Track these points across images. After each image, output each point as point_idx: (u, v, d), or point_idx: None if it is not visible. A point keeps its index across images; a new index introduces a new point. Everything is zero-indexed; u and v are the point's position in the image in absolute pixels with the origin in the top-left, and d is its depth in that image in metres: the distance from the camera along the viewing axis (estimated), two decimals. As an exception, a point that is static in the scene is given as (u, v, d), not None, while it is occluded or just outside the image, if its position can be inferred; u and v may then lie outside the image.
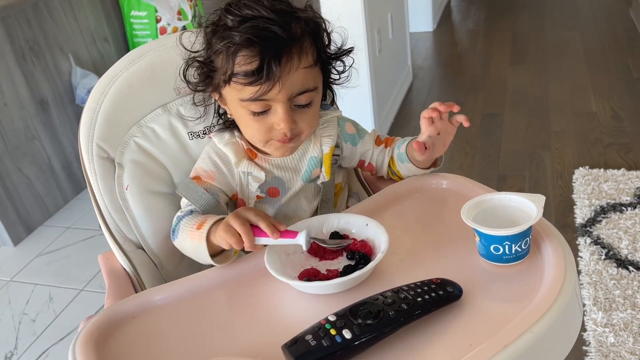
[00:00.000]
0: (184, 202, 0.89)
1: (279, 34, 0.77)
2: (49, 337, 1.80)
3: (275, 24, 0.77)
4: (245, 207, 0.79)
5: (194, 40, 0.88)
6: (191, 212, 0.86)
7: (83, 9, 2.61)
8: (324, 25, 0.85)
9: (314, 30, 0.83)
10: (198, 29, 0.87)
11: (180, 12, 2.83)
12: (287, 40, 0.78)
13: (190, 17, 2.88)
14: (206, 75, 0.85)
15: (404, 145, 0.95)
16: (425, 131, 0.88)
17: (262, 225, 0.75)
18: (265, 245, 0.78)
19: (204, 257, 0.81)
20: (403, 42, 3.02)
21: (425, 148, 0.88)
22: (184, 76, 0.88)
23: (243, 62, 0.78)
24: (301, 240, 0.76)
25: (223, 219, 0.79)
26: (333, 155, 0.94)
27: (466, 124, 0.87)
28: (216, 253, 0.81)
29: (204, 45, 0.85)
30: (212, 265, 1.00)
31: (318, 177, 0.94)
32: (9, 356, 1.75)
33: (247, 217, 0.76)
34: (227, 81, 0.81)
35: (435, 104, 0.86)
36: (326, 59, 0.87)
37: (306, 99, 0.83)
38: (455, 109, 0.86)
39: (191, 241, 0.82)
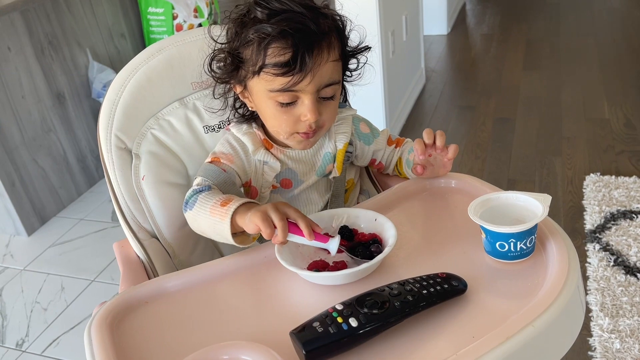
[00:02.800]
0: (197, 180, 0.89)
1: (312, 28, 0.79)
2: (60, 325, 1.83)
3: (307, 18, 0.80)
4: (283, 203, 0.79)
5: (220, 34, 0.89)
6: (210, 188, 0.86)
7: (101, 5, 2.65)
8: (346, 23, 0.88)
9: (339, 27, 0.86)
10: (225, 22, 0.89)
11: (196, 10, 2.86)
12: (318, 34, 0.80)
13: (206, 15, 2.91)
14: (233, 67, 0.86)
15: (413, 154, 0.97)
16: (417, 153, 0.91)
17: (301, 225, 0.75)
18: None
19: (223, 234, 0.80)
20: (417, 44, 3.03)
21: (424, 168, 0.92)
22: (210, 67, 0.90)
23: (276, 54, 0.80)
24: (332, 246, 0.77)
25: (248, 202, 0.80)
26: (346, 152, 0.97)
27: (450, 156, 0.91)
28: (234, 233, 0.81)
29: (230, 37, 0.86)
30: (221, 255, 1.03)
31: (331, 172, 0.96)
32: (20, 343, 1.79)
33: (286, 212, 0.77)
34: (257, 72, 0.82)
35: (425, 134, 0.91)
36: (347, 55, 0.90)
37: (331, 91, 0.85)
38: (438, 150, 0.91)
39: (211, 216, 0.81)
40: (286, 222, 0.75)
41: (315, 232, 0.76)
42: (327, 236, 0.78)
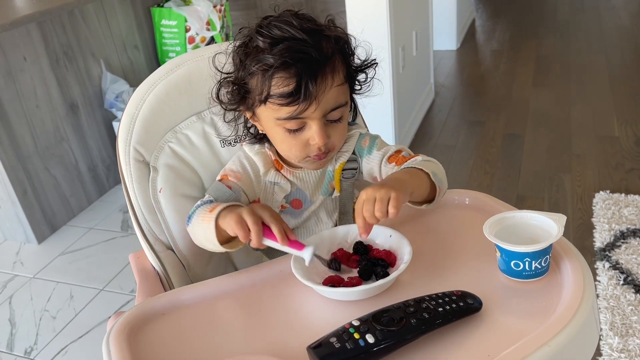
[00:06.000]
0: (205, 198, 0.91)
1: (314, 55, 0.79)
2: (69, 334, 1.84)
3: (309, 45, 0.79)
4: (262, 205, 0.81)
5: (225, 61, 0.90)
6: (210, 202, 0.88)
7: (116, 17, 2.69)
8: (350, 42, 0.88)
9: (342, 47, 0.86)
10: (227, 48, 0.89)
11: (209, 23, 2.89)
12: (320, 61, 0.80)
13: (218, 28, 2.94)
14: (241, 96, 0.87)
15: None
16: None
17: (274, 229, 0.77)
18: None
19: (211, 238, 0.81)
20: (426, 59, 3.05)
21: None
22: (217, 96, 0.90)
23: (280, 84, 0.80)
24: (306, 255, 0.78)
25: (232, 205, 0.81)
26: (348, 169, 0.96)
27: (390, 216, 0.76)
28: (226, 240, 0.83)
29: (235, 66, 0.87)
30: (235, 268, 1.03)
31: (334, 190, 0.97)
32: (28, 351, 1.79)
33: (262, 215, 0.78)
34: (263, 101, 0.83)
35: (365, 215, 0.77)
36: (353, 73, 0.90)
37: (338, 114, 0.86)
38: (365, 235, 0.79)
39: (202, 223, 0.83)
40: (260, 226, 0.76)
41: (290, 240, 0.77)
42: (301, 245, 0.78)
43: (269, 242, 0.78)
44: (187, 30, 2.84)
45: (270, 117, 0.84)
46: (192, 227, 0.87)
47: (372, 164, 0.94)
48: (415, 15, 2.72)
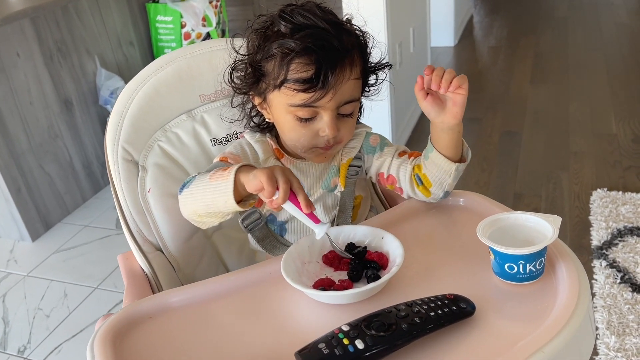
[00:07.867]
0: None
1: (335, 45, 0.80)
2: (62, 333, 1.83)
3: (331, 35, 0.80)
4: (290, 170, 0.77)
5: (241, 45, 0.89)
6: (209, 171, 0.83)
7: (111, 13, 2.66)
8: (368, 40, 0.88)
9: (361, 44, 0.86)
10: (247, 32, 0.88)
11: (204, 19, 2.87)
12: (341, 51, 0.80)
13: (214, 24, 2.92)
14: (255, 79, 0.86)
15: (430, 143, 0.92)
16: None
17: (300, 197, 0.75)
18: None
19: (225, 195, 0.76)
20: (424, 56, 3.03)
21: (427, 93, 0.85)
22: (230, 78, 0.89)
23: (299, 69, 0.80)
24: (320, 229, 0.79)
25: (250, 165, 0.78)
26: (352, 166, 0.96)
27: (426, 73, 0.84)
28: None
29: (251, 49, 0.86)
30: (226, 268, 1.02)
31: (336, 186, 0.96)
32: (22, 350, 1.78)
33: (291, 180, 0.75)
34: (278, 86, 0.82)
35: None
36: (368, 71, 0.90)
37: (351, 108, 0.86)
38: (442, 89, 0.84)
39: (210, 182, 0.78)
40: (289, 187, 0.74)
41: (311, 211, 0.76)
42: (317, 219, 0.79)
43: (288, 206, 0.76)
44: (182, 26, 2.82)
45: (282, 103, 0.83)
46: (190, 191, 0.81)
47: (384, 158, 0.96)
48: (412, 12, 2.70)
